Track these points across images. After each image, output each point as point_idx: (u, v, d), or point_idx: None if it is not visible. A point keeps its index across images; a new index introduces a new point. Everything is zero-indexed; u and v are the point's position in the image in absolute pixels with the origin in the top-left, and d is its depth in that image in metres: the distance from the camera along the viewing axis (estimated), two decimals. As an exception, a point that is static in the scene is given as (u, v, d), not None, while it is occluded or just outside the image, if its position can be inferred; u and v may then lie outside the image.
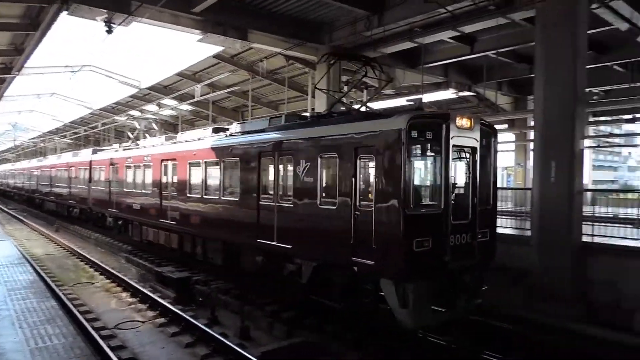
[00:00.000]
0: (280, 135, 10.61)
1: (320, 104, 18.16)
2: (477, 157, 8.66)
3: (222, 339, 8.66)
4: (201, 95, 25.05)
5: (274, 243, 10.34)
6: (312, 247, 9.41)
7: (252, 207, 11.08)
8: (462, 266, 8.29)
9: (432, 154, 8.58)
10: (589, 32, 11.65)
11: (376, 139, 8.06)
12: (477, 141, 8.63)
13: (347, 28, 16.67)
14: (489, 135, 9.07)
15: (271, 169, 10.73)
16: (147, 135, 23.33)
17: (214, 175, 12.93)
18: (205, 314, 10.50)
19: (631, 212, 14.26)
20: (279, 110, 27.88)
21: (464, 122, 8.29)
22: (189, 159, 14.08)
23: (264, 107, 29.61)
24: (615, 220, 14.29)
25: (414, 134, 7.77)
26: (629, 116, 18.87)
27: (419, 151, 8.53)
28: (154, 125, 24.93)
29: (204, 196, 13.24)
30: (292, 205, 9.89)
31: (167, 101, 30.64)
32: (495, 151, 9.29)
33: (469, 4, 12.70)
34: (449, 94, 21.53)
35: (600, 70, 18.59)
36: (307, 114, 11.97)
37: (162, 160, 15.89)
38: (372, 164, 8.31)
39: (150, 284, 13.43)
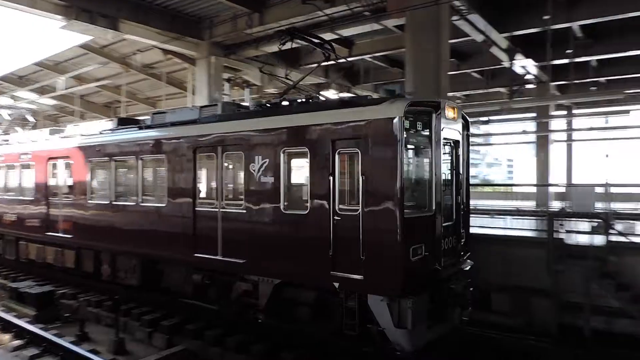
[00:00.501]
0: (225, 126, 8.86)
1: (200, 101, 17.54)
2: (460, 152, 7.98)
3: (91, 356, 7.88)
4: (66, 88, 22.74)
5: (218, 257, 8.72)
6: (273, 261, 7.94)
7: (186, 214, 9.30)
8: (452, 273, 7.58)
9: (423, 147, 7.48)
10: (451, 41, 12.82)
11: (362, 130, 6.87)
12: (460, 134, 7.93)
13: (228, 24, 16.30)
14: (464, 127, 8.27)
15: (212, 167, 9.04)
16: (18, 129, 20.01)
17: (129, 176, 10.84)
18: (74, 331, 9.48)
19: (488, 203, 16.00)
20: (157, 107, 26.39)
21: (450, 112, 7.43)
22: (90, 157, 11.63)
23: (140, 104, 27.81)
24: (475, 210, 15.95)
25: (407, 124, 6.80)
26: (485, 118, 21.21)
27: (412, 144, 7.36)
28: (28, 117, 21.68)
29: (115, 202, 11.02)
30: (244, 212, 8.33)
31: (23, 94, 27.24)
32: (469, 145, 8.53)
33: (345, 8, 13.19)
34: (330, 94, 22.21)
35: (461, 76, 20.64)
36: (248, 104, 10.19)
37: (49, 159, 13.01)
38: (356, 159, 7.03)
39: (3, 302, 11.78)
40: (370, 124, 6.85)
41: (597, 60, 19.22)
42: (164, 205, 9.83)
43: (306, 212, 7.51)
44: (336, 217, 7.14)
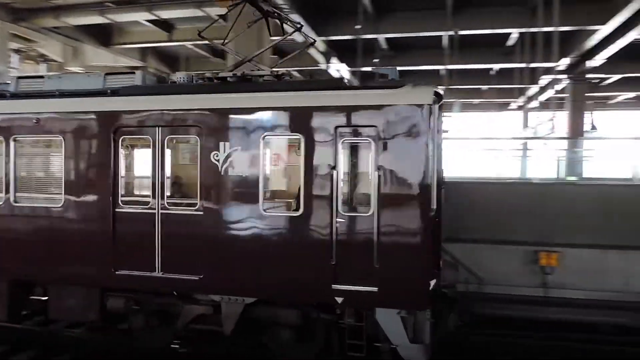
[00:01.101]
0: (169, 102, 6.86)
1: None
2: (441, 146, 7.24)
3: None
4: None
5: (155, 275, 6.71)
6: (246, 275, 6.42)
7: (99, 217, 6.96)
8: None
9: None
10: (273, 38, 12.98)
11: (379, 117, 5.89)
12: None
13: (18, -16, 13.80)
14: None
15: (145, 154, 7.05)
16: None
17: None
18: None
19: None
20: None
21: None
22: None
23: None
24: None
25: None
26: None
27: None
28: None
29: None
30: (199, 214, 6.57)
31: None
32: None
33: (165, -12, 12.36)
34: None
35: (283, 74, 21.32)
36: (175, 76, 7.75)
37: None
38: (367, 151, 6.07)
39: None
40: (390, 110, 5.88)
41: (398, 70, 21.82)
42: (57, 205, 7.15)
43: (299, 213, 6.17)
44: (340, 220, 6.03)
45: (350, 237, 5.99)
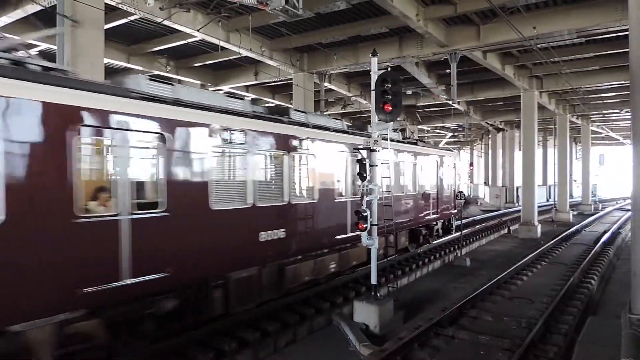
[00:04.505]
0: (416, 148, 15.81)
1: None
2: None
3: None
4: None
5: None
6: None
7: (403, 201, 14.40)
8: None
9: None
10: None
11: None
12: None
13: None
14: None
15: (406, 170, 14.85)
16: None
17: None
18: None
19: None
20: None
21: None
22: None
23: None
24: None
25: None
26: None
27: None
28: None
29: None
30: (414, 194, 15.07)
31: None
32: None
33: None
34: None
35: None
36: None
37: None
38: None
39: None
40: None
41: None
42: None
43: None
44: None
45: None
